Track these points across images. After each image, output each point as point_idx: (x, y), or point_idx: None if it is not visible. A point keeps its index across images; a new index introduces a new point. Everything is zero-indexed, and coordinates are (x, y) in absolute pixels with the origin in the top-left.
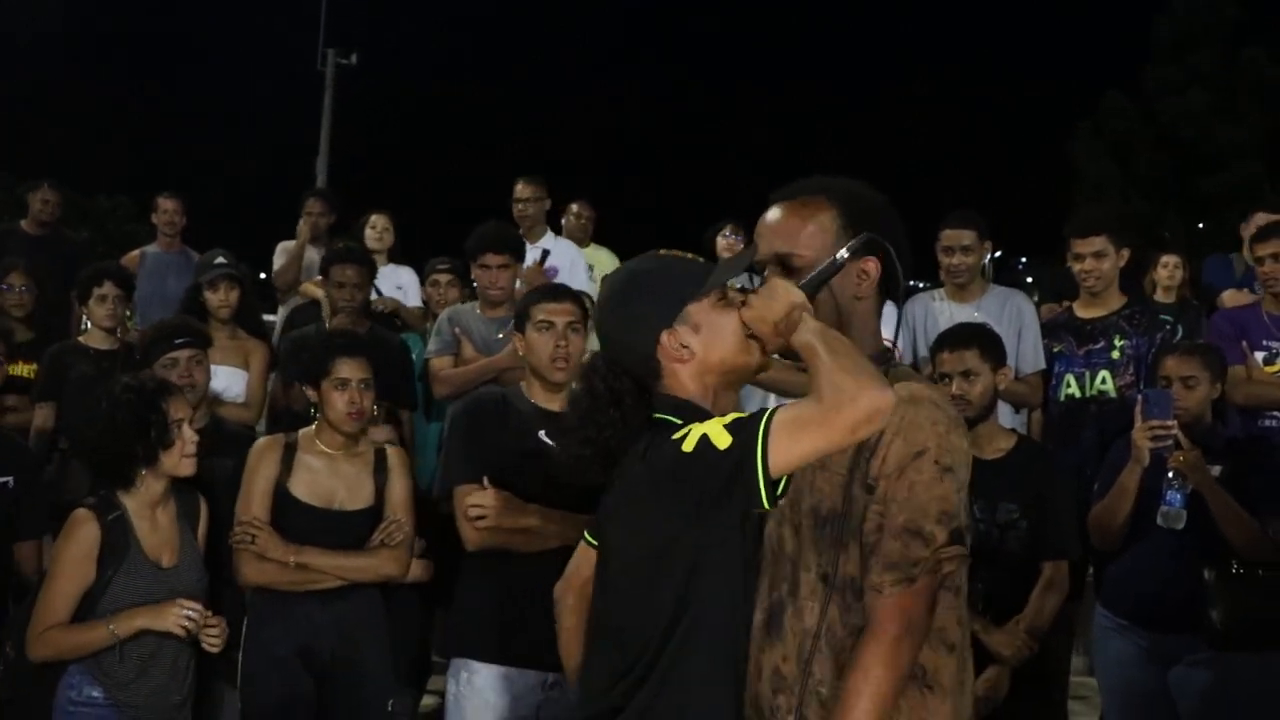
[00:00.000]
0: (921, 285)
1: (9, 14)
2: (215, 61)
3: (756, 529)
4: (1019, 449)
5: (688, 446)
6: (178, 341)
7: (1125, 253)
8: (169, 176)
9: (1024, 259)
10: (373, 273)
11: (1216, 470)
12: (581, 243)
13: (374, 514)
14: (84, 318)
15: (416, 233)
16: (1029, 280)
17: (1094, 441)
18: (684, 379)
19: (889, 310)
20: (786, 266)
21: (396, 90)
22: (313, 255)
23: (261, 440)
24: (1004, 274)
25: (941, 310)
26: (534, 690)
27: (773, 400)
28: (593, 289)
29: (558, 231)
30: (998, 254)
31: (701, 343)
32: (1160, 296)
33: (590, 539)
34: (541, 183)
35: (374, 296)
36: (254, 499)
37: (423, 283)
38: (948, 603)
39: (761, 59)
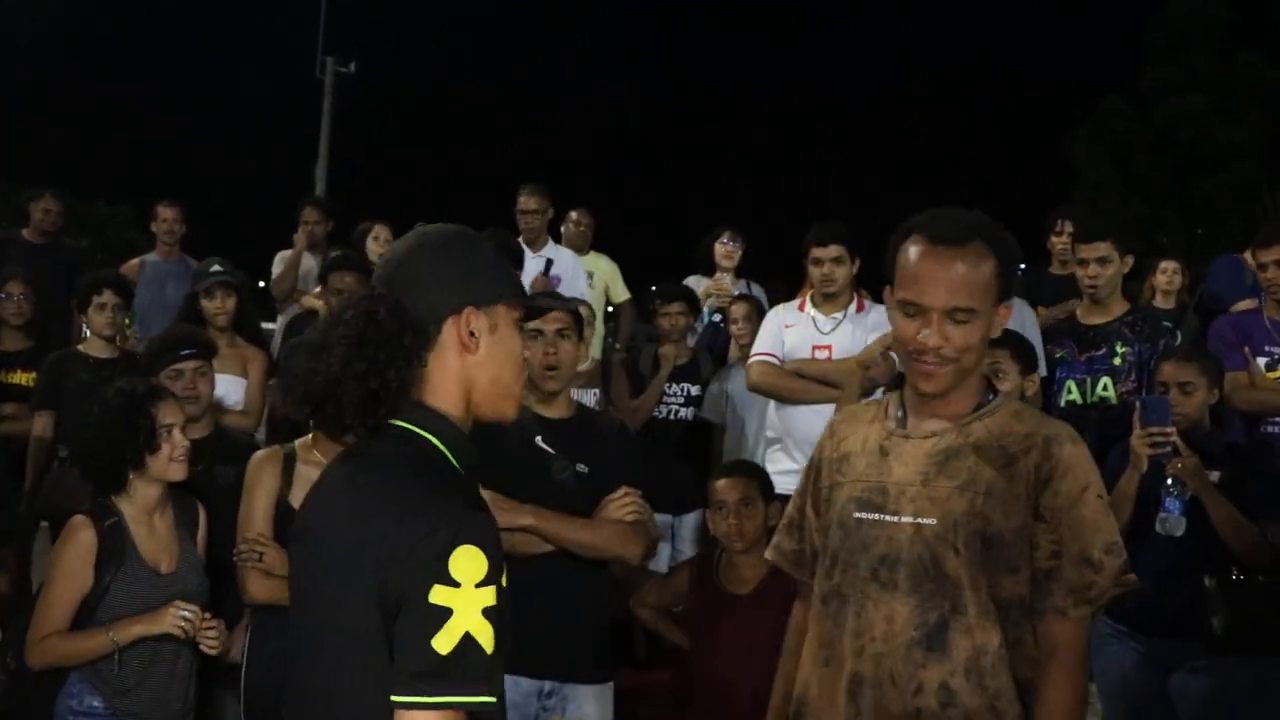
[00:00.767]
0: None
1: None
2: (214, 69)
3: None
4: None
5: (443, 645)
6: (183, 353)
7: (1129, 259)
8: (168, 183)
9: (1022, 265)
10: (369, 279)
11: (1215, 476)
12: (581, 250)
13: None
14: (83, 326)
15: None
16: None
17: (1095, 448)
18: (449, 371)
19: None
20: (956, 319)
21: (395, 97)
22: (310, 263)
23: (259, 454)
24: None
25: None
26: (532, 698)
27: (773, 406)
28: (592, 297)
29: (557, 239)
30: None
31: (489, 347)
32: (1159, 302)
33: None
34: (545, 193)
35: None
36: (257, 515)
37: None
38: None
39: (761, 59)
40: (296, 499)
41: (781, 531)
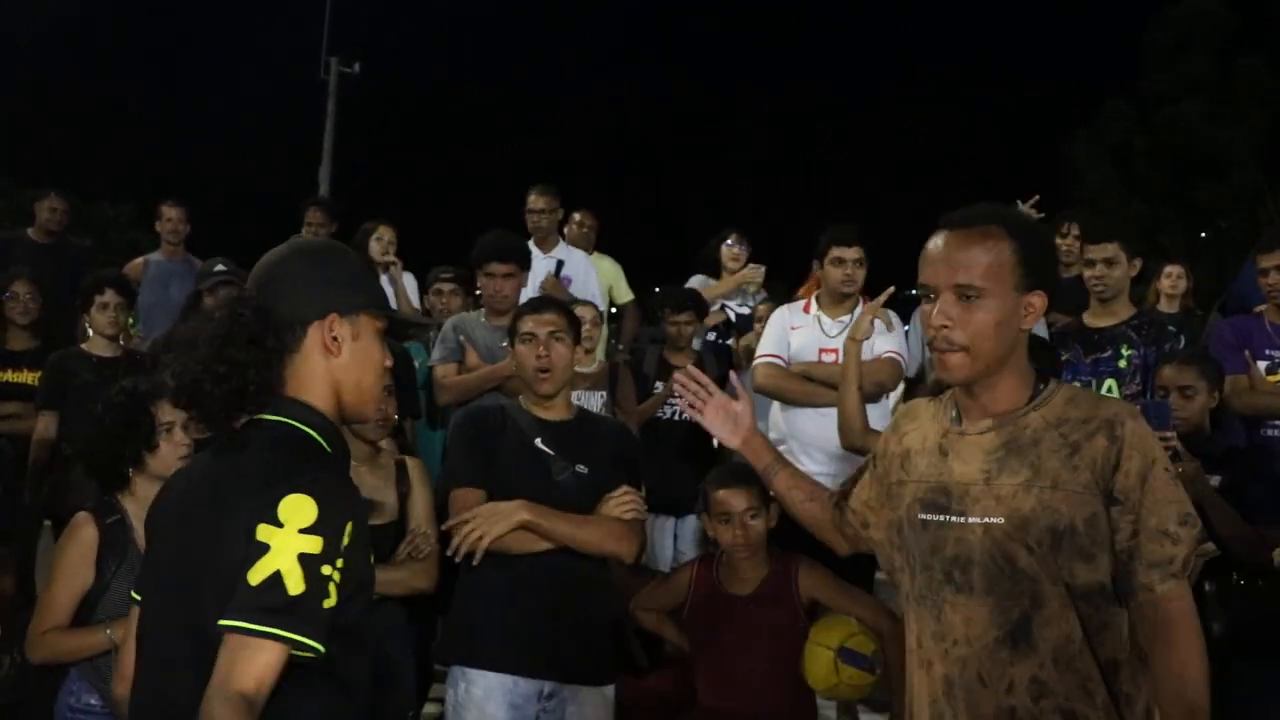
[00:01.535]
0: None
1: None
2: (218, 69)
3: None
4: None
5: (254, 577)
6: None
7: (1137, 263)
8: (171, 184)
9: None
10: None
11: (1216, 480)
12: (584, 250)
13: (397, 527)
14: (87, 325)
15: (419, 240)
16: None
17: None
18: (316, 371)
19: (898, 320)
20: (964, 297)
21: (400, 98)
22: None
23: None
24: None
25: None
26: (531, 700)
27: (777, 408)
28: (599, 298)
29: (561, 240)
30: None
31: (352, 352)
32: (1164, 306)
33: None
34: (555, 193)
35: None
36: None
37: (425, 291)
38: None
39: (761, 59)
40: None
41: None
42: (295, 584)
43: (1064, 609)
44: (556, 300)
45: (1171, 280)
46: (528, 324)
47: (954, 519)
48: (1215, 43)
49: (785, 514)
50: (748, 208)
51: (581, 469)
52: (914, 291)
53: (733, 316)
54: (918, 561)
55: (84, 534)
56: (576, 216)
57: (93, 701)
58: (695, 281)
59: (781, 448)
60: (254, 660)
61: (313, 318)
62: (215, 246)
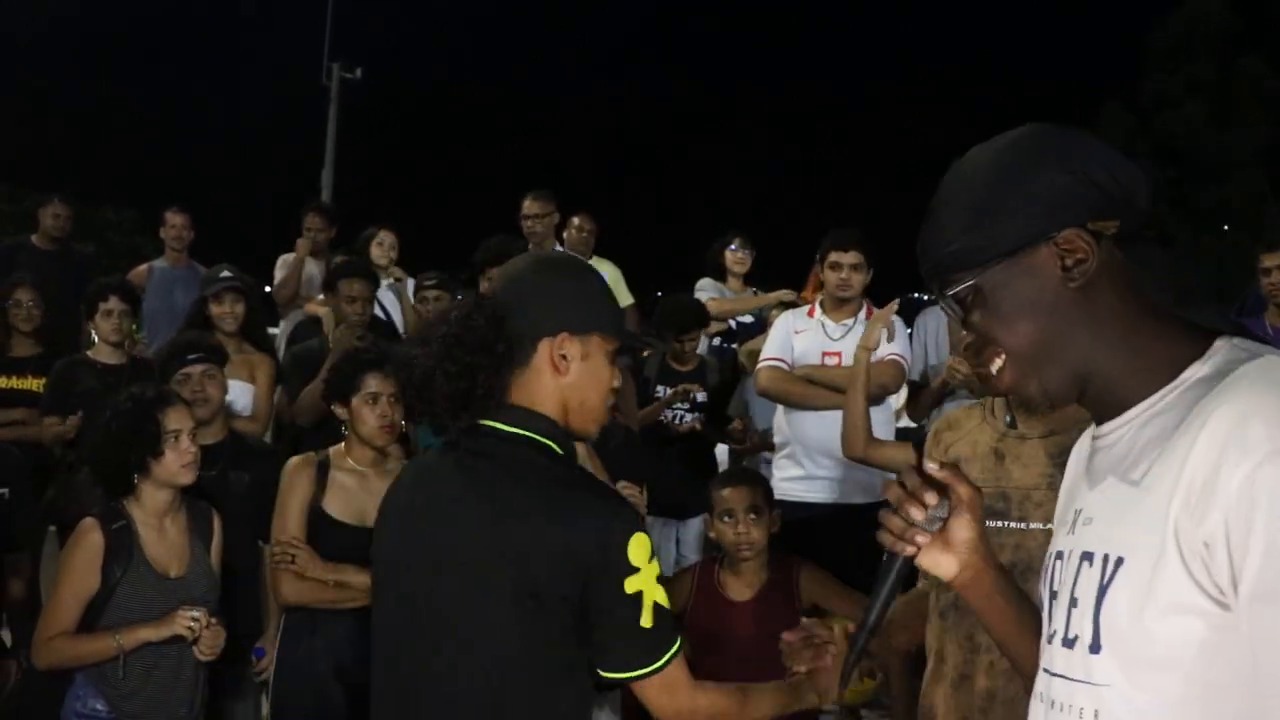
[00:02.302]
0: (929, 297)
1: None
2: (220, 76)
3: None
4: None
5: (645, 621)
6: (190, 357)
7: None
8: (173, 189)
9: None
10: (376, 286)
11: None
12: (583, 255)
13: None
14: (91, 332)
15: (421, 245)
16: None
17: None
18: (545, 387)
19: (899, 323)
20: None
21: (402, 102)
22: (312, 269)
23: (294, 460)
24: None
25: (954, 322)
26: None
27: (780, 411)
28: None
29: (560, 244)
30: None
31: (579, 371)
32: None
33: None
34: (550, 198)
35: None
36: (290, 518)
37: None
38: None
39: (761, 59)
40: (330, 504)
41: None
42: (664, 598)
43: None
44: None
45: None
46: None
47: (1013, 524)
48: (1216, 45)
49: (786, 520)
50: (748, 208)
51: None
52: (916, 295)
53: (733, 324)
54: None
55: (90, 540)
56: (575, 221)
57: (99, 707)
58: (703, 285)
59: (785, 451)
60: (678, 687)
61: (545, 334)
62: (216, 251)
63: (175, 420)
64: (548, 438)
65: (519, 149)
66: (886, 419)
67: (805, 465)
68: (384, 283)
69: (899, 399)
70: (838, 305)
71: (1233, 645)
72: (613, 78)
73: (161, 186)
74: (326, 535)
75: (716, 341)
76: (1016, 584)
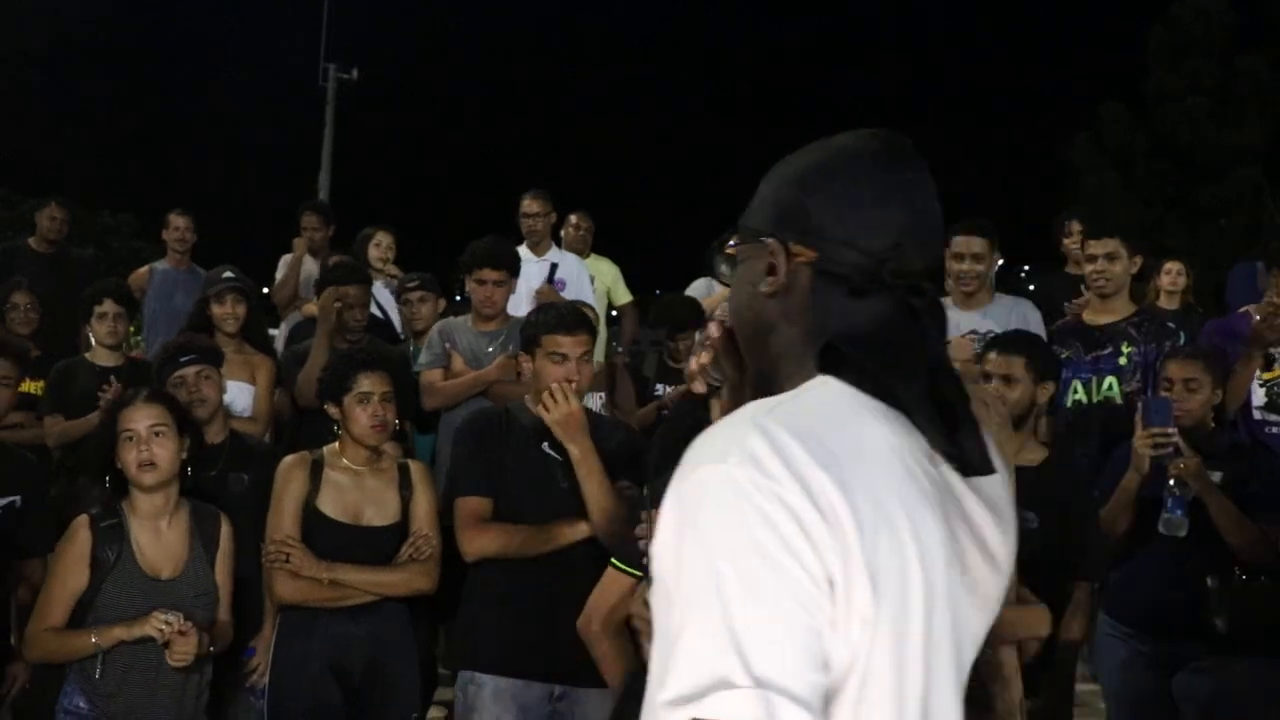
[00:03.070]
0: None
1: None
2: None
3: None
4: (1049, 462)
5: None
6: (183, 359)
7: (1138, 260)
8: (171, 192)
9: (1026, 267)
10: (370, 287)
11: (1218, 476)
12: (581, 254)
13: (400, 529)
14: (88, 335)
15: (418, 245)
16: (1031, 289)
17: (1100, 448)
18: None
19: None
20: None
21: (398, 103)
22: (311, 269)
23: (288, 459)
24: (1007, 282)
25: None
26: (541, 702)
27: None
28: (594, 300)
29: (557, 244)
30: (1000, 262)
31: None
32: (1163, 303)
33: (623, 566)
34: (547, 197)
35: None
36: (285, 517)
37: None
38: None
39: (760, 59)
40: (324, 503)
41: None
42: None
43: None
44: (583, 316)
45: (1171, 277)
46: (556, 343)
47: None
48: (1216, 43)
49: None
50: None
51: None
52: None
53: None
54: None
55: (78, 537)
56: (573, 219)
57: (81, 704)
58: (699, 285)
59: None
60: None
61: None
62: (214, 253)
63: (128, 420)
64: None
65: (517, 149)
66: None
67: None
68: (379, 283)
69: None
70: None
71: None
72: (613, 78)
73: (158, 189)
74: (321, 534)
75: None
76: None
